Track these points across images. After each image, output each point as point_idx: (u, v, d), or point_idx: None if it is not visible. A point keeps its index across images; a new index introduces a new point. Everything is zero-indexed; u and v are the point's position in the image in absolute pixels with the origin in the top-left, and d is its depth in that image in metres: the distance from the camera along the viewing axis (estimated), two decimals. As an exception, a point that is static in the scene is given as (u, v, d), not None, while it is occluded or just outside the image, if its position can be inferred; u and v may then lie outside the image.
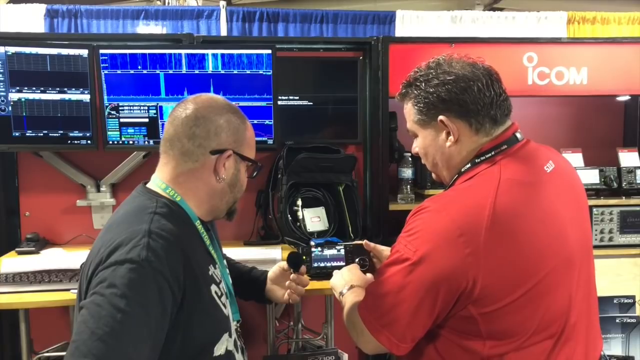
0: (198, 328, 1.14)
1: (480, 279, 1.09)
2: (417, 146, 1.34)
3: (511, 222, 1.12)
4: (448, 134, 1.24)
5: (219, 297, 1.23)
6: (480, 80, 1.21)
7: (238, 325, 1.36)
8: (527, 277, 1.12)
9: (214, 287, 1.22)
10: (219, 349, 1.20)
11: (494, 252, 1.09)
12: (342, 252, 1.89)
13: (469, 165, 1.23)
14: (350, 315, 1.29)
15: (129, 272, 1.03)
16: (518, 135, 1.25)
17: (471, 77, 1.22)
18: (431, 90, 1.24)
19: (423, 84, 1.25)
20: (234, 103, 1.33)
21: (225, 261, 1.43)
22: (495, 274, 1.10)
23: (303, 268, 1.53)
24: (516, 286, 1.12)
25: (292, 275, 1.52)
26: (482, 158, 1.22)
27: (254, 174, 1.36)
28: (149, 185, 1.26)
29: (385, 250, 1.85)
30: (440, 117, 1.23)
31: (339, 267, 1.87)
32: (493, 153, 1.21)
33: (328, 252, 1.89)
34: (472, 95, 1.20)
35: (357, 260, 1.87)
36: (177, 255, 1.11)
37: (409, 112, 1.32)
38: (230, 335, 1.25)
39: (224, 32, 4.83)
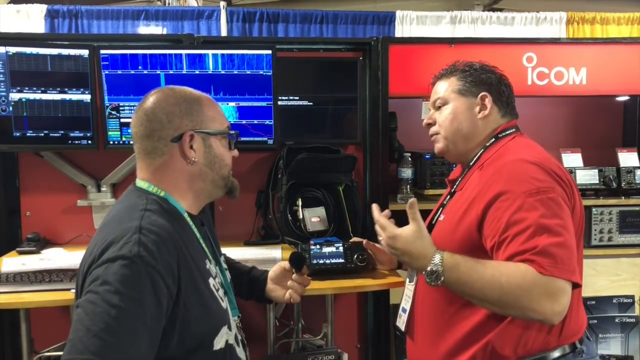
0: (195, 321, 1.14)
1: (571, 203, 1.33)
2: (445, 113, 1.50)
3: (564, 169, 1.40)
4: (481, 109, 1.48)
5: (217, 291, 1.24)
6: (510, 86, 1.55)
7: (239, 320, 1.37)
8: (579, 215, 1.38)
9: (211, 281, 1.23)
10: (219, 343, 1.20)
11: (571, 185, 1.36)
12: (341, 249, 1.90)
13: (493, 140, 1.48)
14: (521, 286, 1.19)
15: (121, 269, 1.04)
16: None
17: (507, 81, 1.55)
18: (483, 72, 1.52)
19: (477, 66, 1.53)
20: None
21: (223, 258, 1.43)
22: (576, 203, 1.36)
23: (305, 268, 1.54)
24: (579, 220, 1.38)
25: (294, 276, 1.52)
26: (504, 134, 1.49)
27: (233, 143, 1.33)
28: (138, 184, 1.28)
29: (383, 250, 1.87)
30: (483, 93, 1.48)
31: (338, 265, 1.88)
32: (509, 132, 1.49)
33: (326, 249, 1.90)
34: (508, 90, 1.53)
35: (355, 256, 1.88)
36: (170, 250, 1.12)
37: (450, 83, 1.52)
38: (230, 329, 1.25)
39: (224, 33, 4.83)
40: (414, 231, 1.30)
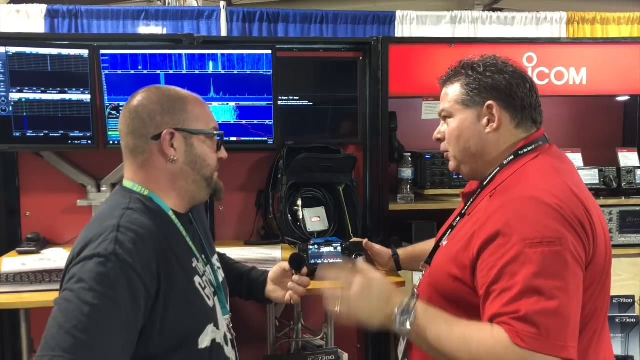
0: (177, 319, 1.14)
1: (591, 252, 1.12)
2: (450, 128, 1.32)
3: (587, 202, 1.16)
4: (489, 121, 1.26)
5: (203, 289, 1.23)
6: (531, 82, 1.29)
7: (229, 319, 1.36)
8: (604, 254, 1.16)
9: (197, 279, 1.22)
10: (204, 341, 1.20)
11: (593, 229, 1.12)
12: (339, 249, 1.90)
13: (511, 158, 1.25)
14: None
15: (96, 266, 1.04)
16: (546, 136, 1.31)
17: (525, 76, 1.29)
18: (488, 74, 1.27)
19: (481, 68, 1.28)
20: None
21: (216, 256, 1.43)
22: (598, 247, 1.13)
23: (304, 269, 1.54)
24: (604, 261, 1.15)
25: (294, 277, 1.52)
26: (525, 151, 1.25)
27: (218, 144, 1.31)
28: (124, 184, 1.28)
29: (383, 250, 1.86)
30: (489, 102, 1.25)
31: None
32: (533, 147, 1.26)
33: (325, 249, 1.90)
34: (524, 91, 1.26)
35: (353, 256, 1.88)
36: (149, 248, 1.11)
37: (453, 91, 1.31)
38: (217, 327, 1.24)
39: (224, 33, 4.83)
40: (364, 280, 1.20)
